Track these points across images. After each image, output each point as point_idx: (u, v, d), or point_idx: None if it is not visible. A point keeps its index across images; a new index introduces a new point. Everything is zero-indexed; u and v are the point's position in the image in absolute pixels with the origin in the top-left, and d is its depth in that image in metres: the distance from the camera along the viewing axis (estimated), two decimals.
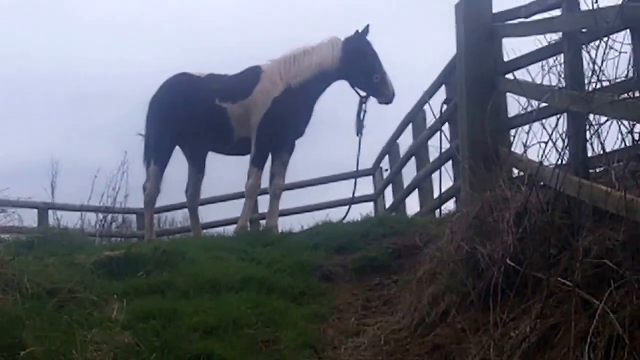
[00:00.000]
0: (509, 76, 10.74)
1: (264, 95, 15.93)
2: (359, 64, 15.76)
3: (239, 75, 16.52)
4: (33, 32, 53.14)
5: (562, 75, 9.02)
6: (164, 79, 17.29)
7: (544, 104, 9.29)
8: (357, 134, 16.50)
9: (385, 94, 15.80)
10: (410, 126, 18.85)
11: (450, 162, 13.86)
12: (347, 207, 18.36)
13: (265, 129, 15.88)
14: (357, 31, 15.93)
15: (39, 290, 9.65)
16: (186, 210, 19.40)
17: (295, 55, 16.12)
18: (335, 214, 18.69)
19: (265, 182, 16.66)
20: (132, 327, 9.39)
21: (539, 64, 9.85)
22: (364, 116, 16.23)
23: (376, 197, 22.14)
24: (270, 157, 16.25)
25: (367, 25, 15.91)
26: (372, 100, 16.11)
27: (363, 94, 16.06)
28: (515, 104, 10.49)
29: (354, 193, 18.14)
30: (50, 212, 23.29)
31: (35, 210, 22.84)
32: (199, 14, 56.13)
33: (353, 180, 20.91)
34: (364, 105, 16.16)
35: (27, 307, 8.98)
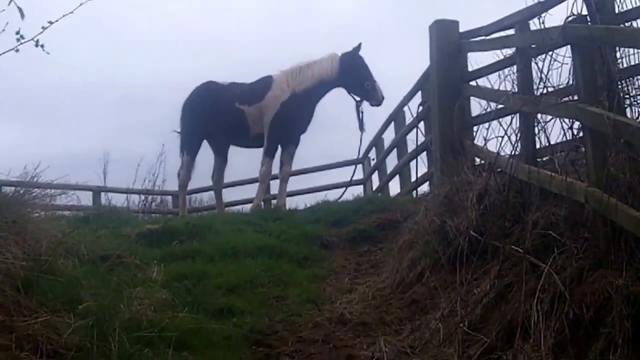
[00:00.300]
0: (472, 83, 10.73)
1: (274, 100, 15.94)
2: (352, 74, 15.71)
3: (255, 83, 16.52)
4: (89, 49, 53.05)
5: (515, 83, 9.03)
6: (195, 86, 17.30)
7: (500, 106, 9.28)
8: (360, 130, 16.50)
9: (375, 98, 15.76)
10: (392, 124, 18.82)
11: (425, 153, 13.83)
12: (341, 189, 18.44)
13: (275, 127, 15.89)
14: (353, 48, 15.89)
15: (93, 256, 9.63)
16: (212, 192, 19.37)
17: (301, 67, 16.12)
18: (331, 195, 18.64)
19: (275, 170, 16.66)
20: (168, 285, 9.38)
21: (497, 73, 9.87)
22: (362, 116, 16.21)
23: (365, 181, 22.08)
24: (280, 149, 16.25)
25: (360, 43, 15.82)
26: (366, 103, 16.06)
27: (358, 98, 16.03)
28: (477, 106, 10.55)
29: (352, 177, 18.15)
30: (102, 194, 23.29)
31: (90, 192, 22.82)
32: (224, 34, 56.08)
33: (347, 167, 21.08)
34: (360, 108, 16.13)
35: (84, 270, 8.96)
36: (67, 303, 7.93)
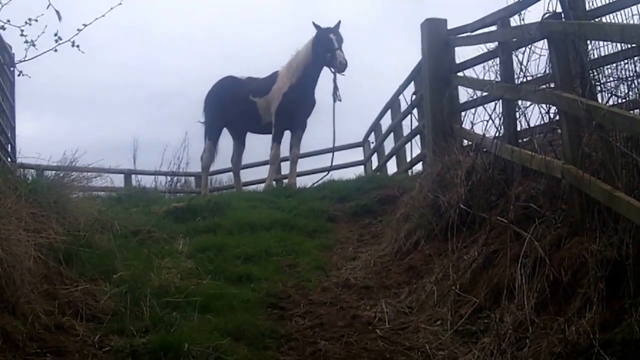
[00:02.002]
0: (460, 74, 10.70)
1: (277, 92, 15.97)
2: (319, 51, 15.51)
3: (266, 78, 16.55)
4: (121, 49, 53.12)
5: (498, 73, 8.99)
6: (216, 79, 17.40)
7: (485, 94, 9.26)
8: (333, 99, 16.25)
9: (336, 65, 15.47)
10: (389, 111, 18.75)
11: (418, 136, 13.78)
12: (345, 169, 18.46)
13: (280, 115, 15.89)
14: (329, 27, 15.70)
15: (125, 231, 9.67)
16: (229, 173, 19.42)
17: (291, 60, 16.11)
18: (336, 174, 18.66)
19: (286, 152, 16.68)
20: (193, 256, 9.40)
21: (482, 65, 9.84)
22: (334, 86, 15.92)
23: (365, 162, 21.98)
24: (290, 134, 16.24)
25: (339, 21, 15.58)
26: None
27: (332, 70, 15.82)
28: (464, 94, 10.53)
29: (332, 161, 17.89)
30: (132, 176, 23.23)
31: (122, 175, 22.74)
32: (245, 36, 55.95)
33: (350, 150, 21.09)
34: (334, 79, 15.87)
35: (118, 243, 9.00)
36: (104, 273, 8.00)
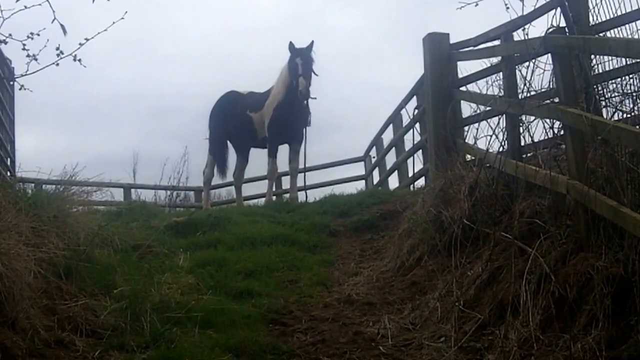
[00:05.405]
0: (463, 89, 10.70)
1: (269, 107, 15.98)
2: (290, 74, 15.52)
3: (264, 93, 16.55)
4: (124, 64, 53.35)
5: (502, 87, 8.99)
6: (219, 95, 17.49)
7: (488, 108, 9.25)
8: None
9: (297, 94, 15.53)
10: (391, 125, 18.76)
11: (420, 151, 13.76)
12: (346, 183, 18.44)
13: (272, 130, 15.90)
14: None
15: (126, 246, 9.65)
16: (228, 188, 19.44)
17: (279, 76, 16.06)
18: (337, 189, 18.66)
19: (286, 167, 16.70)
20: (193, 271, 9.38)
21: (485, 79, 9.84)
22: (307, 111, 15.84)
23: (367, 176, 22.00)
24: (288, 147, 16.21)
25: (312, 41, 15.53)
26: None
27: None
28: (467, 108, 10.54)
29: (305, 181, 17.78)
30: (132, 190, 23.24)
31: (122, 189, 22.75)
32: (245, 51, 56.23)
33: (352, 164, 21.14)
34: (307, 103, 15.81)
35: (118, 258, 9.00)
36: (104, 288, 7.99)
